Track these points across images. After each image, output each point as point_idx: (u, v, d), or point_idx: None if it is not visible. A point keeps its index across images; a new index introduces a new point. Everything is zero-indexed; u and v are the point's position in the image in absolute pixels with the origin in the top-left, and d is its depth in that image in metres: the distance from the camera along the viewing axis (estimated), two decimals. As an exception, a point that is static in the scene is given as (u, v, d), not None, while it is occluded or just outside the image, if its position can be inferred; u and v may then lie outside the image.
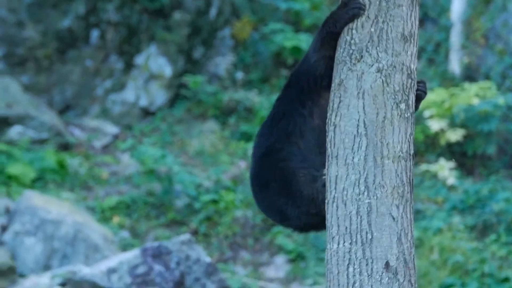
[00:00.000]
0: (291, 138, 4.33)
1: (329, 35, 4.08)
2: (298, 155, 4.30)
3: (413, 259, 4.14)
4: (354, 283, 4.05)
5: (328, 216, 4.21)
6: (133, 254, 10.33)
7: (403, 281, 4.06)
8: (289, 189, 4.26)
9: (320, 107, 4.28)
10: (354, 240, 4.10)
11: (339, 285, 4.07)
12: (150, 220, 13.39)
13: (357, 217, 4.13)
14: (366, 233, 4.10)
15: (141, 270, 10.17)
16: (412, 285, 4.07)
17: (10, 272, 10.80)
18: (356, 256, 4.09)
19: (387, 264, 4.07)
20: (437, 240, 11.67)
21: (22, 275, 11.09)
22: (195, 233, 13.16)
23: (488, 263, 11.32)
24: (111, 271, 10.09)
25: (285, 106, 4.34)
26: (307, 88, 4.27)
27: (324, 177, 4.11)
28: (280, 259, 12.84)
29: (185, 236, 10.70)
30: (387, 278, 4.05)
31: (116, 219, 13.17)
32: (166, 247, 10.34)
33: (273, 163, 4.30)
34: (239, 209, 13.54)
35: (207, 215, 13.36)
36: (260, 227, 13.41)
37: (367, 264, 4.07)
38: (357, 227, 4.11)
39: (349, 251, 4.10)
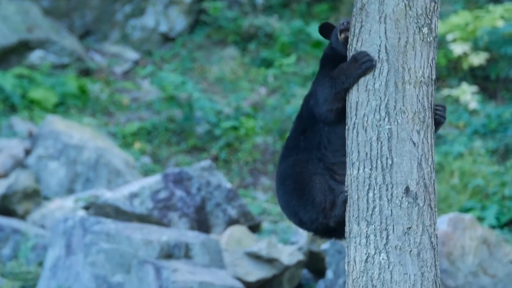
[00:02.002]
0: (319, 146, 4.37)
1: (342, 91, 4.18)
2: (321, 162, 4.35)
3: (433, 183, 4.15)
4: (374, 208, 4.08)
5: (348, 142, 4.22)
6: (154, 180, 10.42)
7: (423, 205, 4.08)
8: (302, 192, 4.32)
9: (338, 130, 4.34)
10: (374, 165, 4.11)
11: (359, 210, 4.10)
12: (171, 146, 13.46)
13: (378, 143, 4.13)
14: (386, 158, 4.11)
15: (162, 195, 10.27)
16: (432, 210, 4.10)
17: (35, 195, 10.95)
18: (376, 182, 4.11)
19: (407, 189, 4.09)
20: (457, 165, 11.67)
21: (46, 198, 11.25)
22: (215, 159, 13.23)
23: (508, 186, 11.33)
24: (133, 195, 10.20)
25: (305, 125, 4.42)
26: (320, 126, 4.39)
27: (345, 193, 4.11)
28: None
29: (206, 162, 10.76)
30: (406, 203, 4.08)
31: (137, 145, 13.25)
32: (187, 172, 10.42)
33: (296, 163, 4.38)
34: (259, 136, 13.57)
35: (227, 141, 13.41)
36: (280, 153, 13.46)
37: (387, 190, 4.09)
38: (377, 153, 4.12)
39: (369, 177, 4.11)
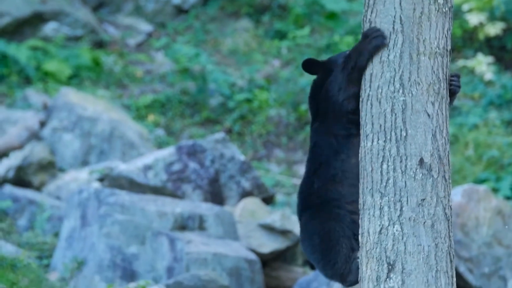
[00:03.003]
0: (334, 180, 4.35)
1: (355, 72, 4.09)
2: (346, 215, 4.33)
3: (448, 155, 4.15)
4: (388, 179, 4.08)
5: (362, 114, 4.21)
6: (168, 152, 10.45)
7: (437, 177, 4.08)
8: (326, 252, 4.34)
9: (354, 148, 4.28)
10: (389, 137, 4.11)
11: (372, 182, 4.10)
12: (185, 119, 13.48)
13: (392, 115, 4.12)
14: (401, 130, 4.11)
15: (176, 167, 10.30)
16: (446, 181, 4.10)
17: (50, 167, 11.01)
18: (390, 154, 4.11)
19: (421, 161, 4.09)
20: (472, 136, 11.63)
21: (61, 170, 11.30)
22: (229, 131, 13.24)
23: (523, 157, 11.31)
24: (147, 168, 10.23)
25: (320, 158, 4.35)
26: (338, 123, 4.29)
27: (358, 259, 4.13)
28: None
29: (220, 135, 10.77)
30: (421, 175, 4.08)
31: (151, 117, 13.27)
32: (200, 145, 10.44)
33: (324, 219, 4.35)
34: (273, 108, 13.56)
35: (241, 114, 13.41)
36: (293, 125, 13.46)
37: (401, 161, 4.09)
38: (391, 124, 4.11)
39: (383, 149, 4.11)
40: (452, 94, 4.23)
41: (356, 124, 4.20)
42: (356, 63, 4.12)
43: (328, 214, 4.35)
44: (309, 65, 4.48)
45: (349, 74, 4.15)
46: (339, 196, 4.31)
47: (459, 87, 4.25)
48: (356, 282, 4.15)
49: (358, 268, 4.09)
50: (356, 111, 4.22)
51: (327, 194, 4.32)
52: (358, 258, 4.08)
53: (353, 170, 4.28)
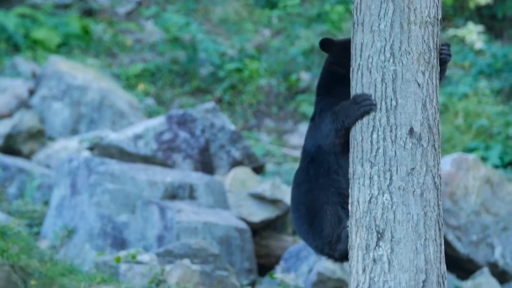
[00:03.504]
0: (330, 170, 4.42)
1: (342, 130, 4.22)
2: (333, 186, 4.40)
3: (437, 124, 4.16)
4: (378, 149, 4.09)
5: (352, 84, 4.21)
6: (158, 121, 10.44)
7: (427, 146, 4.09)
8: (313, 220, 4.38)
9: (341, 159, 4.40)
10: (379, 107, 4.11)
11: (362, 151, 4.11)
12: (175, 88, 13.45)
13: (382, 85, 4.13)
14: (391, 100, 4.11)
15: (166, 136, 10.30)
16: (435, 150, 4.11)
17: (39, 135, 10.99)
18: (380, 123, 4.11)
19: (411, 130, 4.10)
20: (462, 105, 11.66)
21: (51, 138, 11.29)
22: (219, 101, 13.23)
23: (513, 126, 11.36)
24: (138, 137, 10.23)
25: (312, 154, 4.48)
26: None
27: (347, 228, 4.13)
28: (304, 126, 12.93)
29: (210, 104, 10.76)
30: (410, 144, 4.09)
31: (141, 87, 13.24)
32: (191, 114, 10.43)
33: (309, 190, 4.43)
34: (263, 78, 13.54)
35: (231, 83, 13.39)
36: (284, 95, 13.45)
37: (391, 131, 4.10)
38: (381, 94, 4.12)
39: (373, 118, 4.12)
40: (443, 63, 4.24)
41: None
42: (343, 124, 4.23)
43: (314, 184, 4.39)
44: (325, 44, 4.63)
45: (337, 129, 4.28)
46: (332, 182, 4.35)
47: (449, 55, 4.26)
48: (346, 251, 4.17)
49: (347, 237, 4.11)
50: (340, 154, 4.36)
51: (320, 180, 4.37)
52: (348, 227, 4.10)
53: (348, 161, 4.32)
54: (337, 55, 4.60)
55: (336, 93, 4.46)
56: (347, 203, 4.22)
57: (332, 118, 4.28)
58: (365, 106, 4.10)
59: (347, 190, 4.25)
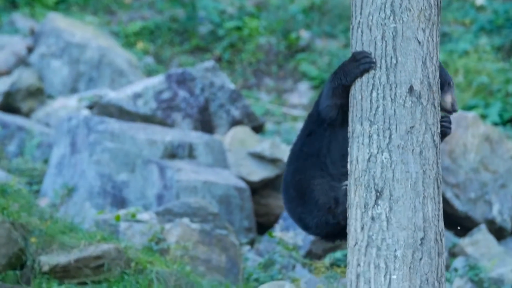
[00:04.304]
0: (319, 153, 4.35)
1: (340, 87, 4.16)
2: (319, 168, 4.33)
3: (437, 82, 4.14)
4: (377, 107, 4.07)
5: (352, 42, 4.19)
6: (158, 80, 10.42)
7: (427, 104, 4.08)
8: (304, 198, 4.31)
9: (341, 131, 4.32)
10: (378, 65, 4.09)
11: (362, 110, 4.09)
12: (174, 46, 13.39)
13: (382, 42, 4.10)
14: (391, 58, 4.09)
15: (166, 95, 10.28)
16: (435, 108, 4.10)
17: (38, 93, 10.96)
18: (380, 82, 4.09)
19: (411, 89, 4.08)
20: (462, 62, 11.62)
21: (50, 97, 11.26)
22: (218, 59, 13.18)
23: (513, 83, 11.34)
24: (137, 96, 10.21)
25: (312, 125, 4.43)
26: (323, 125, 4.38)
27: (345, 186, 4.09)
28: (304, 85, 12.91)
29: (209, 63, 10.72)
30: (410, 102, 4.07)
31: (140, 45, 13.18)
32: (190, 73, 10.40)
33: (296, 170, 4.37)
34: (263, 36, 13.48)
35: (230, 41, 13.32)
36: (284, 53, 13.40)
37: (390, 89, 4.08)
38: (381, 52, 4.09)
39: (373, 77, 4.10)
40: (443, 136, 4.17)
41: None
42: (342, 81, 4.17)
43: (302, 164, 4.38)
44: None
45: (334, 88, 4.22)
46: (322, 165, 4.32)
47: (450, 128, 4.21)
48: (345, 210, 4.15)
49: (345, 195, 4.11)
50: (336, 120, 4.28)
51: (312, 160, 4.34)
52: (344, 185, 4.09)
53: (338, 148, 4.28)
54: None
55: None
56: (335, 178, 4.19)
57: (331, 78, 4.26)
58: (364, 63, 4.08)
59: (334, 175, 4.23)
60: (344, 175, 4.20)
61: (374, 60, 4.06)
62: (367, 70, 4.08)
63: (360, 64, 4.08)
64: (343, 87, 4.18)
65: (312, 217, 4.33)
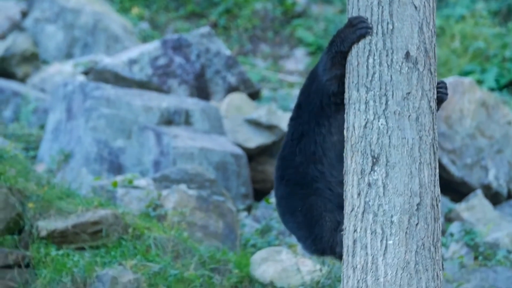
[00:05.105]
0: (314, 157, 4.32)
1: (338, 55, 4.10)
2: (326, 189, 4.31)
3: (434, 48, 4.13)
4: (374, 74, 4.07)
5: (348, 8, 4.17)
6: (153, 46, 10.39)
7: (423, 70, 4.07)
8: (312, 228, 4.32)
9: (337, 123, 4.25)
10: (375, 31, 4.08)
11: (358, 76, 4.09)
12: (169, 12, 13.33)
13: (379, 8, 4.09)
14: (387, 23, 4.08)
15: (162, 61, 10.26)
16: (431, 74, 4.09)
17: (33, 58, 10.92)
18: (376, 47, 4.08)
19: (407, 54, 4.07)
20: (459, 28, 11.58)
21: (45, 62, 11.22)
22: (214, 26, 13.13)
23: (509, 47, 11.30)
24: (133, 62, 10.18)
25: (302, 127, 4.35)
26: (320, 107, 4.27)
27: (342, 232, 4.09)
28: (300, 51, 12.87)
29: (205, 29, 10.69)
30: (406, 68, 4.06)
31: (135, 10, 13.12)
32: (186, 39, 10.36)
33: (304, 195, 4.34)
34: (259, 2, 13.42)
35: (226, 7, 13.27)
36: (280, 20, 13.35)
37: (387, 55, 4.07)
38: (378, 17, 4.08)
39: (370, 43, 4.09)
40: (440, 102, 4.14)
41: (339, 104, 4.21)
42: (339, 48, 4.11)
43: (308, 190, 4.36)
44: None
45: (333, 57, 4.15)
46: (319, 174, 4.32)
47: (446, 94, 4.19)
48: (340, 252, 4.20)
49: (341, 240, 4.14)
50: (338, 94, 4.21)
51: (307, 171, 4.33)
52: (343, 231, 4.10)
53: (334, 148, 4.26)
54: None
55: None
56: (341, 203, 4.19)
57: (328, 47, 4.22)
58: (361, 29, 4.05)
59: (333, 183, 4.25)
60: (341, 183, 4.18)
61: (370, 25, 4.05)
62: (363, 35, 4.06)
63: (356, 29, 4.06)
64: (341, 54, 4.14)
65: (312, 244, 4.38)
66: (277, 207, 4.54)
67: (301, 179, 4.38)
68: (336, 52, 4.15)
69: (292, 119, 4.50)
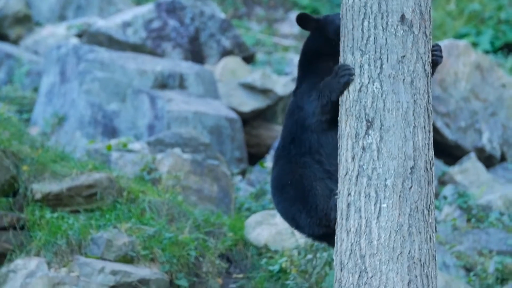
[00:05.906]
0: (311, 150, 4.36)
1: (328, 105, 4.17)
2: (317, 164, 4.34)
3: (429, 10, 4.12)
4: (369, 37, 4.06)
5: (344, -30, 4.15)
6: (147, 8, 10.33)
7: (418, 33, 4.06)
8: (305, 199, 4.33)
9: (327, 137, 4.32)
10: (370, -7, 4.06)
11: (353, 40, 4.08)
12: (164, -25, 13.24)
13: (374, -30, 4.06)
14: (383, -13, 4.06)
15: (156, 24, 10.20)
16: (427, 37, 4.08)
17: (26, 20, 10.84)
18: (371, 10, 4.07)
19: (402, 17, 4.06)
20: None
21: (38, 24, 11.16)
22: (209, -12, 13.05)
23: (505, 9, 11.26)
24: (126, 24, 10.13)
25: (294, 123, 4.43)
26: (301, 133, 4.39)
27: (336, 196, 4.10)
28: (295, 14, 12.81)
29: (199, -9, 10.61)
30: (402, 31, 4.05)
31: (129, -27, 13.02)
32: (180, 2, 10.30)
33: (293, 168, 4.37)
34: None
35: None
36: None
37: (382, 18, 4.06)
38: (373, -20, 4.06)
39: (365, 5, 4.07)
40: (435, 65, 4.16)
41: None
42: (329, 98, 4.17)
43: (297, 163, 4.39)
44: (302, 20, 4.50)
45: (323, 105, 4.23)
46: (317, 161, 4.35)
47: (441, 57, 4.19)
48: (336, 217, 4.21)
49: (335, 205, 4.15)
50: (327, 129, 4.31)
51: (306, 157, 4.37)
52: (337, 194, 4.11)
53: (329, 140, 4.29)
54: (316, 35, 4.47)
55: (317, 70, 4.38)
56: (333, 176, 4.21)
57: (317, 95, 4.25)
58: (343, 76, 4.07)
59: (331, 168, 4.26)
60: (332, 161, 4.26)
61: (353, 72, 4.06)
62: (348, 83, 4.07)
63: (339, 77, 4.09)
64: (331, 103, 4.19)
65: (307, 217, 4.38)
66: (272, 198, 4.60)
67: (294, 161, 4.43)
68: (327, 102, 4.20)
69: (286, 118, 4.55)
